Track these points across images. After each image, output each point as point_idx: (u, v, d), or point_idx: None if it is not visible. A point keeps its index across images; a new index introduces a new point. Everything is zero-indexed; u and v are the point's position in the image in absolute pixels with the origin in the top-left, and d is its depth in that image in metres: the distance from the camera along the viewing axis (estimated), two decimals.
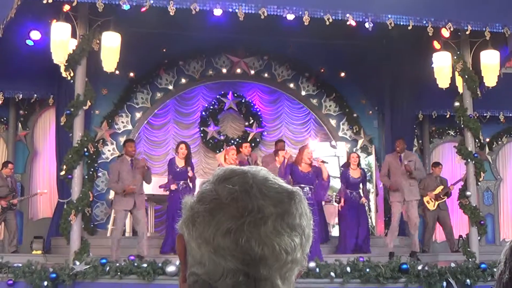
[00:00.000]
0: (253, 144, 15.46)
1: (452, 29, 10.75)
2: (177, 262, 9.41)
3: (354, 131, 16.09)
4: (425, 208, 14.01)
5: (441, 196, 13.72)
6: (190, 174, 11.71)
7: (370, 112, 16.20)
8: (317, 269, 9.13)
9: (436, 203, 13.70)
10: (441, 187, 13.77)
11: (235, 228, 1.15)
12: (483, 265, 9.59)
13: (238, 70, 15.93)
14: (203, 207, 1.20)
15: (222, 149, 14.48)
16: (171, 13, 9.83)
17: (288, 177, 11.04)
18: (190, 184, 11.70)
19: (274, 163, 12.86)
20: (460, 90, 11.48)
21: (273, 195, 1.20)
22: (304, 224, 1.21)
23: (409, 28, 10.63)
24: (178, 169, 11.70)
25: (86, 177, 11.91)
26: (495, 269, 1.82)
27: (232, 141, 15.30)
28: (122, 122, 15.26)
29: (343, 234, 12.37)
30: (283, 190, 1.22)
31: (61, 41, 10.28)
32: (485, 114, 15.09)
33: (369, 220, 13.68)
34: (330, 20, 10.32)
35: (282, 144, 14.09)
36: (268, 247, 1.15)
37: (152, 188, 12.55)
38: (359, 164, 12.70)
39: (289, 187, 1.25)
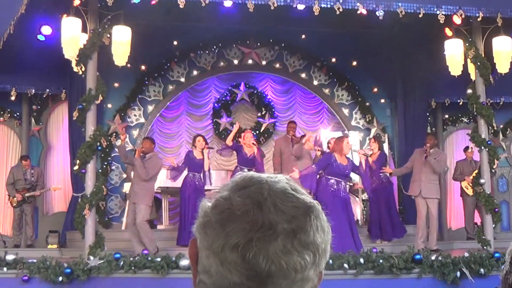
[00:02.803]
0: (266, 135, 15.49)
1: (463, 16, 10.65)
2: None
3: (367, 120, 16.01)
4: (463, 194, 14.00)
5: None
6: (206, 167, 11.85)
7: (383, 100, 16.11)
8: (331, 261, 9.10)
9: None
10: (476, 170, 13.63)
11: (243, 242, 1.13)
12: (497, 254, 9.53)
13: (250, 61, 15.90)
14: (215, 216, 1.18)
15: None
16: (181, 6, 9.80)
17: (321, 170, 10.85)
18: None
19: (289, 147, 12.91)
20: (473, 77, 11.39)
21: (288, 209, 1.16)
22: (318, 241, 1.18)
23: (420, 16, 10.55)
24: (196, 161, 11.82)
25: (100, 171, 11.96)
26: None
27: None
28: (135, 115, 15.28)
29: (374, 220, 12.53)
30: (301, 204, 1.19)
31: (72, 36, 10.27)
32: (498, 101, 14.97)
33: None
34: (340, 10, 10.27)
35: (293, 125, 13.86)
36: (276, 265, 1.12)
37: (165, 181, 12.61)
38: (380, 148, 12.78)
39: (307, 201, 1.21)
